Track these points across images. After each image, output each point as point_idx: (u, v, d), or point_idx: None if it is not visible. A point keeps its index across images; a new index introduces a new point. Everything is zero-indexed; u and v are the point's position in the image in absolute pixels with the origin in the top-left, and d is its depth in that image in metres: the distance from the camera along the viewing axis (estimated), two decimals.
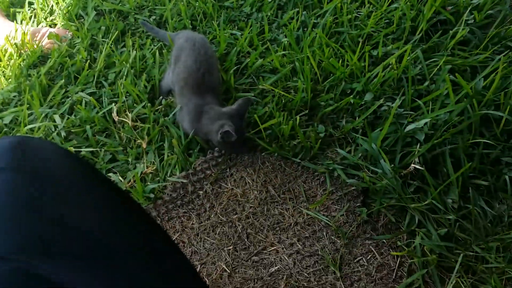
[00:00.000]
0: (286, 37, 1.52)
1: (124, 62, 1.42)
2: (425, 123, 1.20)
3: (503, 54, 1.43)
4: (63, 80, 1.38)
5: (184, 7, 1.61)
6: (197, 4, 1.64)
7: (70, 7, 1.66)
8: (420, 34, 1.50)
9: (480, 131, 1.25)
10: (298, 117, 1.26)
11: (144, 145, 1.22)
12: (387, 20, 1.58)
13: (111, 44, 1.51)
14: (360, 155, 1.23)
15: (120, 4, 1.69)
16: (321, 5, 1.68)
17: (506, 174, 1.19)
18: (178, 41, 1.35)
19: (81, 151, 1.22)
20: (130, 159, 1.21)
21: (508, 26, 1.55)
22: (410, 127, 1.19)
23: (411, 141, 1.21)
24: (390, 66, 1.38)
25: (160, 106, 1.32)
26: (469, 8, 1.59)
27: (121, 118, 1.28)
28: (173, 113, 1.25)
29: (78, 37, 1.52)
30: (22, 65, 1.44)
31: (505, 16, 1.57)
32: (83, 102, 1.33)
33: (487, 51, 1.46)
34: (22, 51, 1.50)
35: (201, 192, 1.18)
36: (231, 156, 1.25)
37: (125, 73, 1.39)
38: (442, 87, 1.32)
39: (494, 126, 1.24)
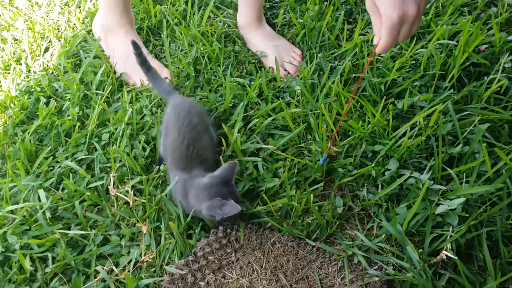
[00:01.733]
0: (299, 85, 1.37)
1: (119, 120, 1.28)
2: (459, 203, 1.04)
3: None
4: (52, 144, 1.25)
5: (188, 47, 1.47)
6: (202, 47, 1.49)
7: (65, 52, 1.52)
8: (451, 82, 1.34)
9: None
10: (312, 195, 1.11)
11: (144, 230, 1.08)
12: (413, 62, 1.42)
13: (106, 96, 1.37)
14: (384, 235, 1.08)
15: None
16: (339, 42, 1.52)
17: None
18: (167, 109, 1.21)
19: (68, 233, 1.09)
20: (123, 242, 1.08)
21: None
22: (442, 208, 1.03)
23: (442, 220, 1.06)
24: (418, 126, 1.21)
25: (157, 175, 1.18)
26: (506, 48, 1.42)
27: (118, 193, 1.15)
28: (168, 188, 1.11)
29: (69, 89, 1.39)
30: (8, 123, 1.31)
31: None
32: (74, 171, 1.20)
33: None
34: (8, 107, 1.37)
35: (202, 283, 1.04)
36: (237, 237, 1.10)
37: (120, 134, 1.25)
38: (477, 150, 1.16)
39: None
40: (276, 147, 1.22)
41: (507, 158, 1.07)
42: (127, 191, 1.14)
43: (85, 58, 1.48)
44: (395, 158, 1.16)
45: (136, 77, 1.44)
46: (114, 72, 1.45)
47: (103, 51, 1.52)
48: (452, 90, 1.30)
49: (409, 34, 0.86)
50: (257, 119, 1.29)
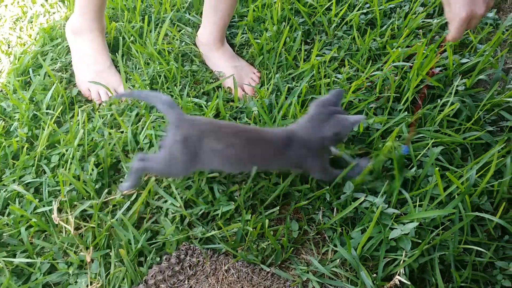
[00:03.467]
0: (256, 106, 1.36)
1: (69, 141, 1.24)
2: (412, 227, 1.05)
3: (498, 126, 1.30)
4: None
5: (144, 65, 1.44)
6: (158, 66, 1.46)
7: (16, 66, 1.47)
8: (406, 105, 1.35)
9: (471, 226, 1.11)
10: (267, 219, 1.09)
11: (88, 258, 1.04)
12: (370, 83, 1.43)
13: (57, 116, 1.33)
14: (338, 260, 1.08)
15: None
16: (296, 63, 1.53)
17: (500, 283, 1.05)
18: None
19: (13, 260, 1.03)
20: (71, 270, 1.04)
21: (501, 91, 1.41)
22: (395, 233, 1.04)
23: (396, 245, 1.06)
24: (373, 147, 1.22)
25: (110, 198, 1.14)
26: (459, 71, 1.45)
27: (61, 222, 1.10)
28: (121, 211, 1.07)
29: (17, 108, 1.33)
30: None
31: (497, 80, 1.43)
32: (21, 195, 1.15)
33: (478, 123, 1.32)
34: None
35: None
36: (191, 263, 1.08)
37: (71, 156, 1.21)
38: (430, 173, 1.17)
39: (487, 221, 1.10)
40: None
41: (459, 182, 1.09)
42: (69, 219, 1.10)
43: (35, 76, 1.43)
44: (350, 181, 1.16)
45: (94, 87, 1.42)
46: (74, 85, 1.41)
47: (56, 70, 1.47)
48: (406, 113, 1.31)
49: (476, 25, 1.01)
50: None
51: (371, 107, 1.36)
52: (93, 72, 1.43)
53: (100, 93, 1.42)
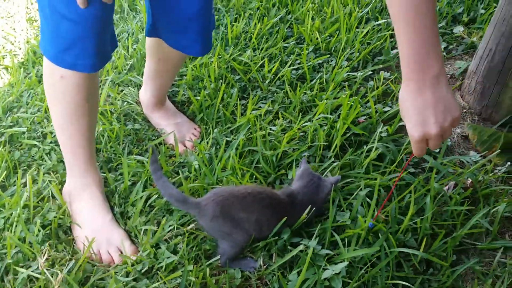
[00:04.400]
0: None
1: (14, 204, 1.28)
2: (343, 267, 1.13)
3: (420, 168, 1.43)
4: None
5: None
6: (101, 127, 1.53)
7: None
8: (335, 151, 1.47)
9: (398, 262, 1.21)
10: (208, 268, 1.16)
11: None
12: (302, 134, 1.55)
13: (1, 181, 1.36)
14: None
15: (17, 125, 1.56)
16: (234, 117, 1.63)
17: None
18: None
19: None
20: None
21: None
22: (327, 273, 1.12)
23: (330, 284, 1.14)
24: None
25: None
26: (382, 118, 1.59)
27: (8, 283, 1.13)
28: (65, 270, 1.11)
29: None
30: None
31: None
32: None
33: (401, 165, 1.45)
34: None
35: None
36: None
37: (16, 218, 1.24)
38: (360, 214, 1.28)
39: (412, 257, 1.20)
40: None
41: (386, 223, 1.20)
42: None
43: None
44: (287, 228, 1.24)
45: (104, 250, 1.26)
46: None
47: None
48: (333, 159, 1.43)
49: (439, 145, 0.94)
50: (157, 195, 1.34)
51: (304, 155, 1.47)
52: (91, 231, 1.27)
53: (110, 252, 1.26)
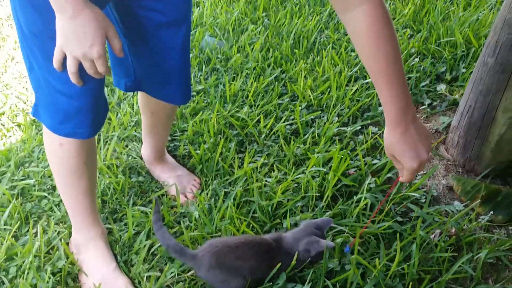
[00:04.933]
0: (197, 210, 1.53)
1: (26, 253, 1.36)
2: None
3: (407, 217, 1.52)
4: None
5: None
6: (108, 179, 1.63)
7: None
8: (327, 201, 1.57)
9: None
10: None
11: None
12: (296, 185, 1.65)
13: (14, 231, 1.45)
14: None
15: (28, 178, 1.66)
16: (232, 169, 1.73)
17: None
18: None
19: None
20: None
21: (407, 188, 1.66)
22: None
23: None
24: None
25: None
26: (370, 171, 1.70)
27: None
28: None
29: None
30: None
31: None
32: None
33: (389, 215, 1.54)
34: None
35: None
36: None
37: (28, 266, 1.32)
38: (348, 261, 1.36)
39: None
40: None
41: (374, 269, 1.28)
42: None
43: None
44: (283, 273, 1.32)
45: None
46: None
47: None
48: (325, 209, 1.53)
49: (423, 168, 1.15)
50: (159, 244, 1.42)
51: (298, 205, 1.56)
52: (97, 279, 1.35)
53: None
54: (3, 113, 1.93)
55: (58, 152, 1.27)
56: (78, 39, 0.97)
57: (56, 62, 1.03)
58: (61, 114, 1.17)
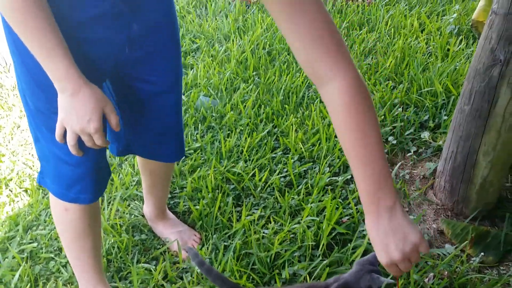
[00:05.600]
0: None
1: None
2: None
3: None
4: None
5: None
6: (112, 239, 1.70)
7: None
8: (323, 250, 1.64)
9: None
10: None
11: None
12: (292, 235, 1.72)
13: None
14: None
15: (35, 241, 1.72)
16: (231, 223, 1.81)
17: None
18: None
19: None
20: None
21: None
22: None
23: None
24: None
25: None
26: (362, 219, 1.78)
27: None
28: None
29: None
30: None
31: None
32: None
33: None
34: None
35: None
36: None
37: None
38: None
39: None
40: None
41: None
42: None
43: (4, 259, 1.63)
44: None
45: None
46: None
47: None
48: (322, 258, 1.59)
49: (410, 266, 0.95)
50: None
51: (295, 255, 1.63)
52: None
53: None
54: (11, 179, 2.02)
55: (64, 216, 1.35)
56: (77, 115, 1.05)
57: (57, 136, 1.10)
58: (65, 181, 1.25)
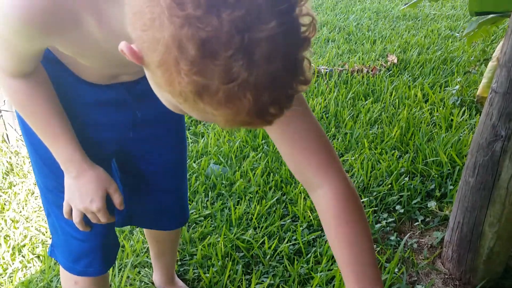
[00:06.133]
0: None
1: None
2: None
3: None
4: None
5: None
6: None
7: None
8: None
9: None
10: None
11: None
12: None
13: None
14: None
15: None
16: None
17: None
18: None
19: None
20: None
21: None
22: None
23: None
24: None
25: None
26: None
27: None
28: None
29: None
30: None
31: None
32: None
33: None
34: None
35: None
36: None
37: None
38: None
39: None
40: None
41: None
42: None
43: None
44: None
45: None
46: None
47: None
48: None
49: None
50: None
51: None
52: None
53: None
54: (24, 246, 2.05)
55: None
56: (81, 196, 1.11)
57: (65, 213, 1.16)
58: (73, 255, 1.29)
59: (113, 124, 1.20)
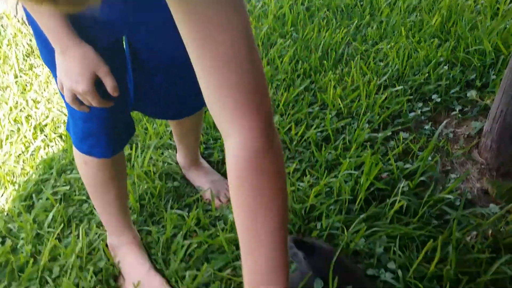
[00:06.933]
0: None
1: (69, 254, 1.41)
2: None
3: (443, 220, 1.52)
4: (6, 280, 1.35)
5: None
6: (145, 185, 1.69)
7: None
8: (360, 204, 1.58)
9: None
10: None
11: None
12: (328, 189, 1.66)
13: (58, 233, 1.51)
14: None
15: (69, 184, 1.73)
16: None
17: None
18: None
19: None
20: None
21: (440, 189, 1.66)
22: None
23: None
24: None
25: None
26: (403, 175, 1.71)
27: None
28: None
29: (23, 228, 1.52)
30: None
31: (437, 181, 1.68)
32: None
33: (424, 217, 1.54)
34: None
35: None
36: None
37: (70, 266, 1.37)
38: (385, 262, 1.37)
39: None
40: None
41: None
42: None
43: (38, 200, 1.63)
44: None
45: None
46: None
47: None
48: (359, 211, 1.54)
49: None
50: (196, 245, 1.46)
51: (331, 209, 1.58)
52: (134, 280, 1.39)
53: None
54: (46, 125, 2.02)
55: (84, 169, 1.34)
56: (66, 74, 1.03)
57: (60, 90, 1.09)
58: (79, 134, 1.24)
59: (110, 5, 1.06)
